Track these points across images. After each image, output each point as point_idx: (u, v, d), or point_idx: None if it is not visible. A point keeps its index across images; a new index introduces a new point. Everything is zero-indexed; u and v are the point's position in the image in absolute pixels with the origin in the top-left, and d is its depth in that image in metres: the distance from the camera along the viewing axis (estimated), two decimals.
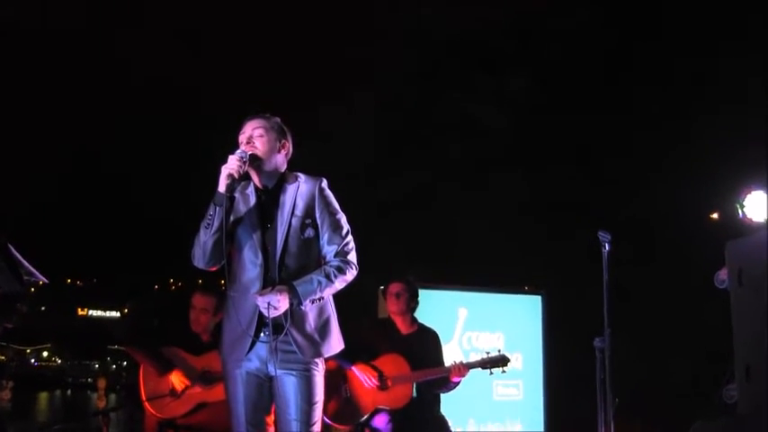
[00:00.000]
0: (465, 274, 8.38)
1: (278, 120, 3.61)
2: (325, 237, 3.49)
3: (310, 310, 3.42)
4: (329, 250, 3.49)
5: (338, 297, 3.60)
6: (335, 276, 3.43)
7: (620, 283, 4.95)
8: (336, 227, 3.50)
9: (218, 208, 3.35)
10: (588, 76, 10.33)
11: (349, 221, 3.58)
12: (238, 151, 3.43)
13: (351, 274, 3.49)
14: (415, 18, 10.80)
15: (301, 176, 3.57)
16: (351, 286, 3.56)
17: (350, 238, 3.54)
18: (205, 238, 3.40)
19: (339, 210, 3.56)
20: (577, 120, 10.27)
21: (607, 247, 4.69)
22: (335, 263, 3.46)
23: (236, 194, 3.49)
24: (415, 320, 5.49)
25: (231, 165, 3.36)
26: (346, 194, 3.72)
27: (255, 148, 3.47)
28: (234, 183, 3.37)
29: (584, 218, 8.70)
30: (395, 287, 5.46)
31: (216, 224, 3.36)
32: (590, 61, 10.32)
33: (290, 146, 3.62)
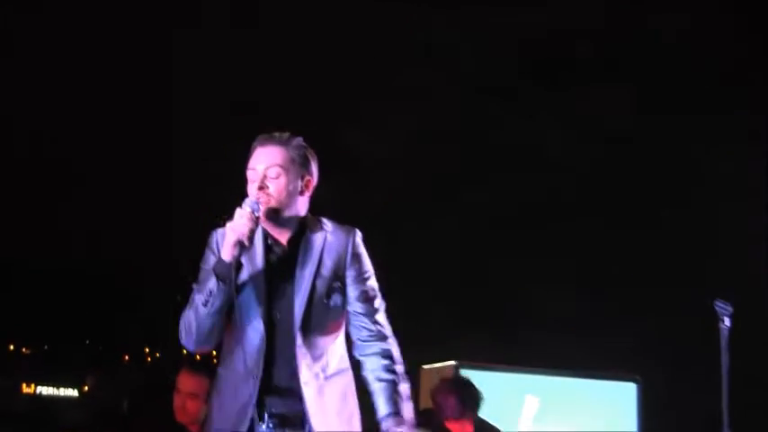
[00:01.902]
0: (535, 352, 8.35)
1: (300, 142, 3.48)
2: (358, 310, 3.47)
3: (331, 399, 3.41)
4: (361, 325, 3.48)
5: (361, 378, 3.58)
6: (400, 365, 3.47)
7: (743, 368, 4.89)
8: (371, 298, 3.50)
9: (220, 284, 3.27)
10: (695, 97, 10.31)
11: (382, 279, 3.56)
12: (249, 202, 3.30)
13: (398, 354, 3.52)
14: (469, 24, 10.89)
15: (327, 225, 3.51)
16: None
17: (383, 307, 3.54)
18: (201, 319, 3.33)
19: (372, 272, 3.54)
20: (677, 154, 10.24)
21: (727, 322, 4.61)
22: (386, 348, 3.47)
23: None
24: None
25: (240, 228, 3.24)
26: (379, 244, 3.70)
27: (270, 196, 3.36)
28: (243, 249, 3.28)
29: (693, 283, 8.63)
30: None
31: (218, 304, 3.29)
32: (699, 78, 10.31)
33: (314, 181, 3.51)
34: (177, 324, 3.45)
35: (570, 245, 10.50)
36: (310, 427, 3.35)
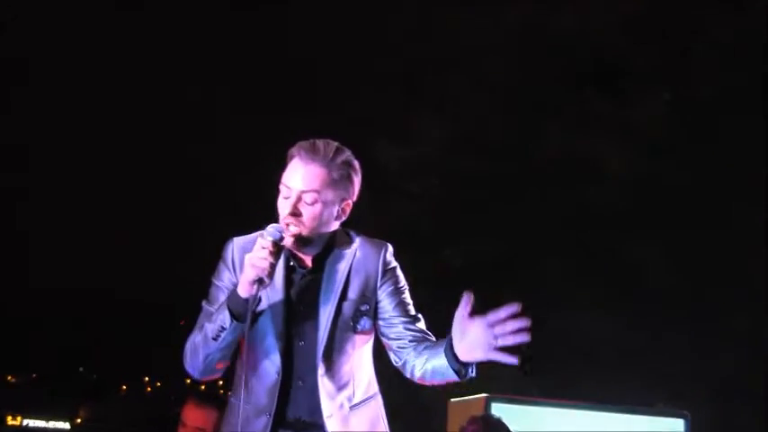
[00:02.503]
0: (576, 385, 8.33)
1: (345, 157, 3.32)
2: (397, 321, 3.41)
3: (357, 429, 3.36)
4: (403, 332, 3.41)
5: (393, 411, 3.56)
6: None
7: None
8: (410, 309, 3.46)
9: (234, 322, 3.21)
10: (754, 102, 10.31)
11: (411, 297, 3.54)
12: (272, 231, 3.21)
13: None
14: (506, 21, 10.91)
15: (356, 240, 3.44)
16: (408, 395, 3.54)
17: (422, 320, 3.48)
18: (210, 351, 3.29)
19: (407, 286, 3.49)
20: (739, 168, 10.22)
21: None
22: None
23: None
24: None
25: (260, 263, 3.14)
26: (406, 263, 3.70)
27: (302, 224, 3.26)
28: (262, 285, 3.18)
29: (746, 312, 8.62)
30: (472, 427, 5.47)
31: (231, 339, 3.25)
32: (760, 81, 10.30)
33: (353, 202, 3.38)
34: (180, 351, 3.41)
35: (610, 267, 10.48)
36: None
